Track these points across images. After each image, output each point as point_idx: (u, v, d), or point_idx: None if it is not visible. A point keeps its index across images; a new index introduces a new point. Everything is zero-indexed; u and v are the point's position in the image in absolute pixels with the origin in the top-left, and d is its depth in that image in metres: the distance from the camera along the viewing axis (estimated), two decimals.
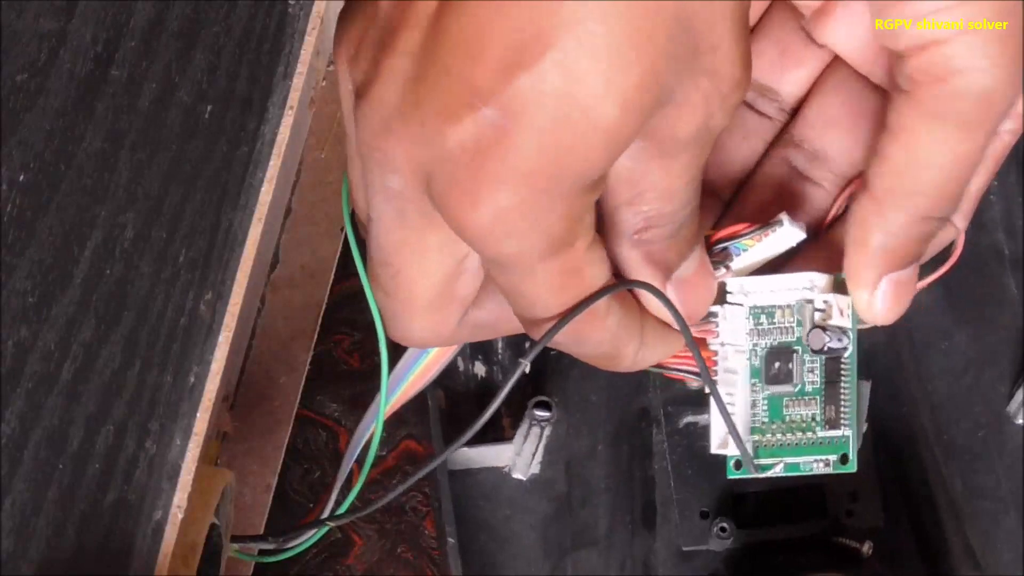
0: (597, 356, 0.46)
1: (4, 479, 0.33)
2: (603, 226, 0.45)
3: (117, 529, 0.39)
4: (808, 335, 0.48)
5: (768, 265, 0.49)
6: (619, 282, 0.45)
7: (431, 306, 0.46)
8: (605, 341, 0.46)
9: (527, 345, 0.62)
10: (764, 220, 0.47)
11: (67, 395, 0.35)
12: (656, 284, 0.45)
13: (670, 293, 0.45)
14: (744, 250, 0.47)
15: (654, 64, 0.39)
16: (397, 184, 0.43)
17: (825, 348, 0.48)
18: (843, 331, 0.48)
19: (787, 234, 0.47)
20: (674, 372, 0.49)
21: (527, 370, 0.50)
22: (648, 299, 0.46)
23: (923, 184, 0.44)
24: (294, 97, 0.43)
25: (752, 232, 0.47)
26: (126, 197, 0.36)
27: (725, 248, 0.47)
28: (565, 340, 0.45)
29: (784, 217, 0.47)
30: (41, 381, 0.34)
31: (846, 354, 0.48)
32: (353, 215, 0.46)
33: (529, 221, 0.41)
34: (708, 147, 0.43)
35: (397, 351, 0.50)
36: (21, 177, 0.32)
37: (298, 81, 0.43)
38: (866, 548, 0.60)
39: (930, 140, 0.43)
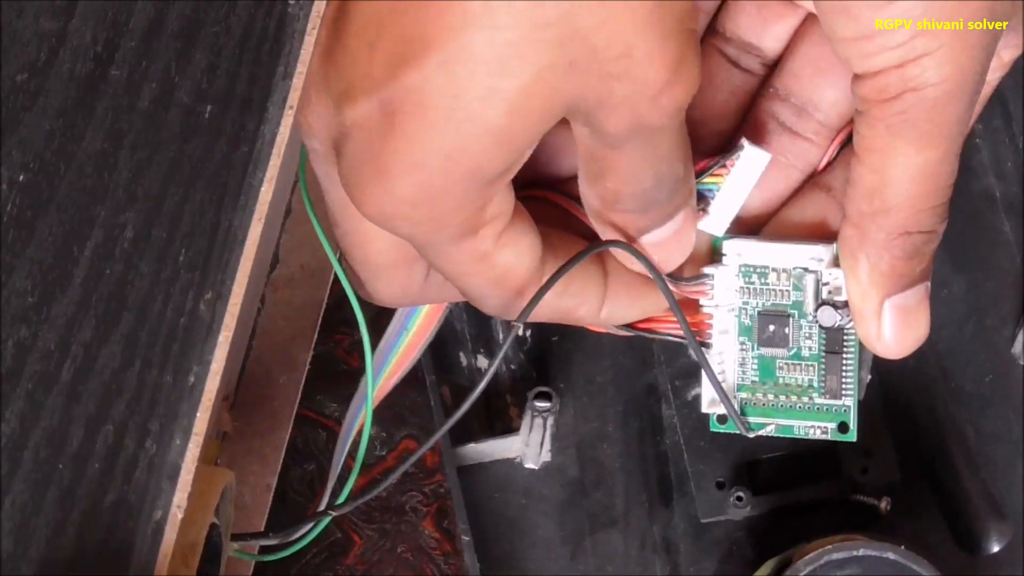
0: (553, 320, 0.47)
1: (4, 479, 0.33)
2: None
3: (117, 529, 0.39)
4: (817, 311, 0.48)
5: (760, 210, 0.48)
6: (577, 254, 0.45)
7: (390, 264, 0.46)
8: (543, 313, 0.46)
9: (527, 334, 0.63)
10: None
11: (67, 395, 0.35)
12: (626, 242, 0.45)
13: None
14: (717, 189, 0.47)
15: (540, 71, 0.39)
16: (319, 148, 0.44)
17: (836, 326, 0.47)
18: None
19: (751, 157, 0.46)
20: (663, 336, 0.49)
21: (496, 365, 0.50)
22: (622, 254, 0.46)
23: (893, 200, 0.44)
24: (294, 97, 0.43)
25: (714, 166, 0.46)
26: (126, 197, 0.36)
27: (698, 192, 0.47)
28: (509, 313, 0.45)
29: (744, 141, 0.46)
30: (41, 381, 0.34)
31: (850, 325, 0.48)
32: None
33: (421, 212, 0.42)
34: (661, 140, 0.42)
35: (375, 331, 0.50)
36: (21, 177, 0.32)
37: (298, 81, 0.43)
38: (884, 505, 0.60)
39: (892, 157, 0.43)
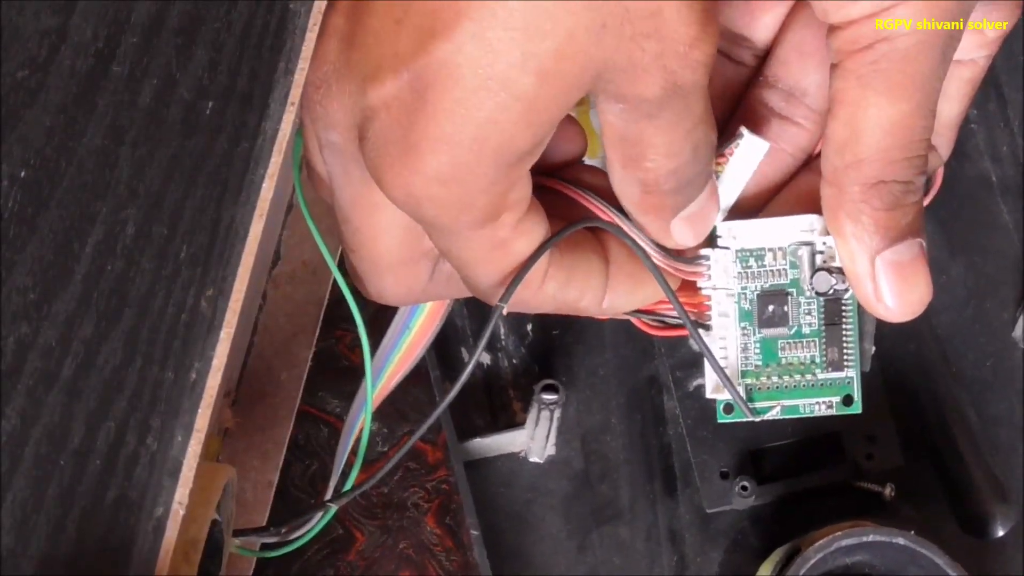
0: (556, 312, 0.47)
1: (5, 476, 0.33)
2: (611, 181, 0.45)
3: (118, 526, 0.39)
4: (812, 278, 0.48)
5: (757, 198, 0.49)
6: (567, 226, 0.45)
7: (398, 261, 0.46)
8: (547, 305, 0.46)
9: (528, 329, 0.63)
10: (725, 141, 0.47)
11: (68, 392, 0.35)
12: (661, 225, 0.45)
13: (675, 226, 0.46)
14: (716, 177, 0.47)
15: (572, 33, 0.40)
16: (337, 140, 0.44)
17: (831, 290, 0.47)
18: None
19: (750, 145, 0.47)
20: (658, 324, 0.49)
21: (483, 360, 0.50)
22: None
23: (865, 152, 0.44)
24: (295, 93, 0.43)
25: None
26: (127, 193, 0.36)
27: None
28: (514, 306, 0.45)
29: (743, 129, 0.47)
30: (42, 378, 0.34)
31: (847, 295, 0.48)
32: (308, 172, 0.47)
33: (450, 191, 0.41)
34: (694, 101, 0.43)
35: (378, 334, 0.50)
36: (22, 173, 0.32)
37: (299, 77, 0.43)
38: (888, 491, 0.60)
39: (864, 109, 0.44)
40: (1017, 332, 0.63)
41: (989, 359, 0.63)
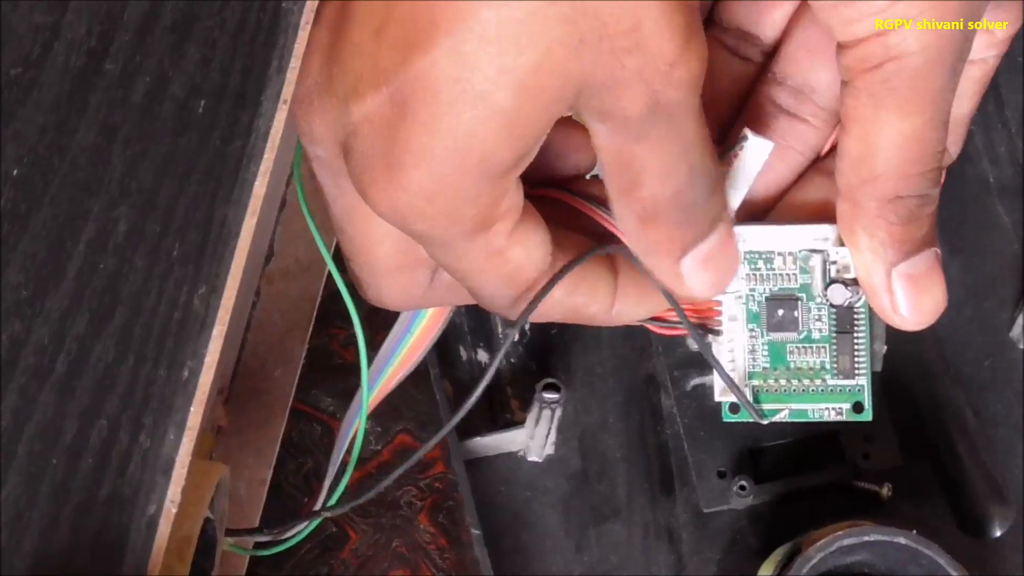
0: (565, 320, 0.47)
1: None
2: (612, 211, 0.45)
3: (111, 523, 0.39)
4: (827, 290, 0.48)
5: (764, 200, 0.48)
6: (582, 254, 0.45)
7: (396, 268, 0.46)
8: (554, 313, 0.46)
9: (527, 328, 0.63)
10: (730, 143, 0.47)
11: (61, 389, 0.35)
12: (669, 265, 0.45)
13: (685, 268, 0.45)
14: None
15: (549, 48, 0.39)
16: (323, 154, 0.44)
17: (846, 303, 0.47)
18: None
19: (755, 147, 0.47)
20: (667, 326, 0.49)
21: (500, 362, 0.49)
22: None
23: (880, 167, 0.44)
24: (288, 91, 0.43)
25: (720, 157, 0.47)
26: (119, 191, 0.36)
27: None
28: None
29: (747, 131, 0.47)
30: (34, 375, 0.34)
31: (859, 303, 0.48)
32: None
33: (436, 205, 0.41)
34: (683, 121, 0.42)
35: (373, 332, 0.50)
36: (14, 171, 0.32)
37: (292, 75, 0.43)
38: (885, 491, 0.60)
39: (876, 125, 0.43)
40: (1015, 332, 0.63)
41: (987, 359, 0.63)
